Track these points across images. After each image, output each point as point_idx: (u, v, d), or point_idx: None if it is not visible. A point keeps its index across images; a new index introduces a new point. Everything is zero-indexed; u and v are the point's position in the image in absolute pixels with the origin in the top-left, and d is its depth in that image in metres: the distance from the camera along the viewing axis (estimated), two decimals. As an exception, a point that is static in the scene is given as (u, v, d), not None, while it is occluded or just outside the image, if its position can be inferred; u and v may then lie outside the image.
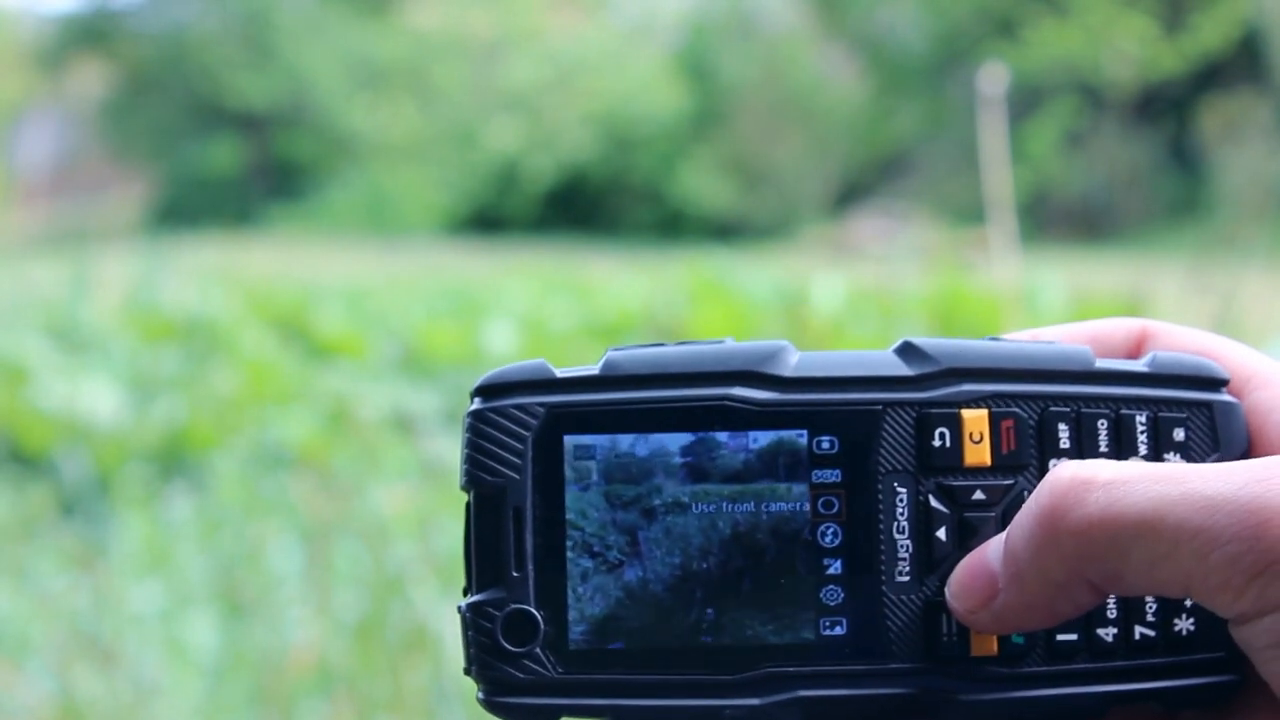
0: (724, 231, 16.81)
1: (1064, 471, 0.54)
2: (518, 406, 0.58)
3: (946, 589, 0.57)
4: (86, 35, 21.78)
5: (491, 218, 18.78)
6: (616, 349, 0.59)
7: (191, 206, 18.48)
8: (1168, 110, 17.12)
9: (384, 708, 2.63)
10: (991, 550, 0.56)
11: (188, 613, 3.17)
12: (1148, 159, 16.81)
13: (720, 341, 0.59)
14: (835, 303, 6.11)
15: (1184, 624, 0.59)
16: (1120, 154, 16.57)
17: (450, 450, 4.20)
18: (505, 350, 5.88)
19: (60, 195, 20.11)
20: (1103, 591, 0.54)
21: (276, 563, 3.42)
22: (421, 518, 3.45)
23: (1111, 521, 0.52)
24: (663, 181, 19.03)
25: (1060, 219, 15.94)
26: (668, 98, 19.33)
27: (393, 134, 19.23)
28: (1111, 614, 0.58)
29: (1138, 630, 0.58)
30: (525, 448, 0.58)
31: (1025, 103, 14.87)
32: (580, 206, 19.14)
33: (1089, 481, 0.53)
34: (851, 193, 17.96)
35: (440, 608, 2.82)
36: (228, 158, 20.49)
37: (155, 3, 22.04)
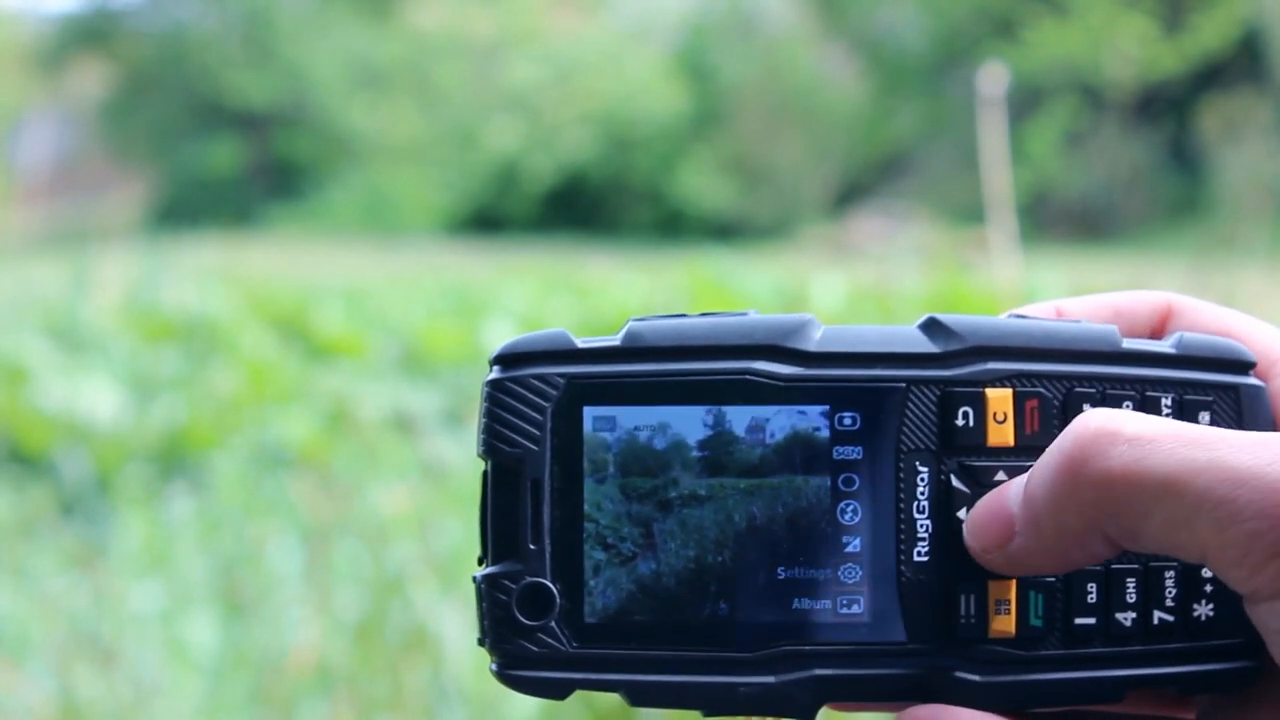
0: (724, 231, 16.82)
1: (1090, 420, 0.53)
2: (537, 376, 0.57)
3: (965, 525, 0.57)
4: (86, 35, 21.79)
5: (491, 218, 18.78)
6: (639, 319, 0.58)
7: (191, 206, 18.47)
8: (1168, 110, 17.12)
9: (384, 708, 2.63)
10: (1011, 492, 0.56)
11: (188, 613, 3.17)
12: (1148, 159, 16.81)
13: (744, 314, 0.58)
14: (835, 302, 6.10)
15: (1203, 609, 0.58)
16: (1120, 154, 16.57)
17: (450, 450, 4.20)
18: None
19: (60, 195, 20.10)
20: (1118, 545, 0.53)
21: (276, 563, 3.41)
22: (421, 518, 3.44)
23: (1134, 479, 0.51)
24: (662, 181, 19.04)
25: (1060, 219, 15.94)
26: (667, 98, 19.33)
27: (393, 134, 19.24)
28: (1130, 599, 0.58)
29: (1156, 615, 0.58)
30: (544, 419, 0.57)
31: (1025, 103, 14.86)
32: (580, 206, 19.13)
33: (1115, 434, 0.52)
34: (851, 193, 17.96)
35: (440, 608, 2.82)
36: (228, 157, 20.48)
37: (155, 3, 22.05)
